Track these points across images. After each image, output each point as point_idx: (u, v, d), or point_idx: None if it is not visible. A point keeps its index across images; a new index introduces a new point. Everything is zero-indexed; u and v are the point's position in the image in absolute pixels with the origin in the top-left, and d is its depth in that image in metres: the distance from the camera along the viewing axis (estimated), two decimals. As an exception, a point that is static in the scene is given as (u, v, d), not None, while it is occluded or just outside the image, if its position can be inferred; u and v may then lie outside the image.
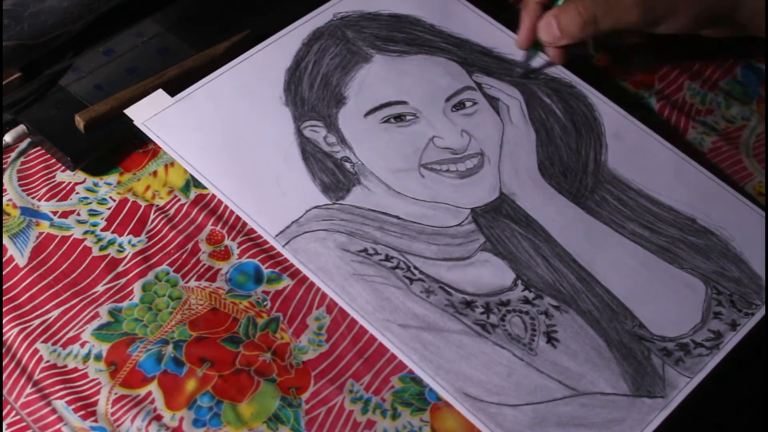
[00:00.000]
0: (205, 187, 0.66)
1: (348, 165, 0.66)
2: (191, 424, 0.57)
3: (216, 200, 0.67)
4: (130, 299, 0.62)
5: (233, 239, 0.65)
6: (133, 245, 0.64)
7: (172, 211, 0.66)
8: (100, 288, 0.62)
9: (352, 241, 0.63)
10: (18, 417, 0.58)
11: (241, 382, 0.59)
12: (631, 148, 0.69)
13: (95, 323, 0.61)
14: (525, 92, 0.71)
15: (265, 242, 0.64)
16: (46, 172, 0.68)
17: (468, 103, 0.70)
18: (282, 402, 0.58)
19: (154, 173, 0.68)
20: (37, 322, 0.61)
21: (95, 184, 0.67)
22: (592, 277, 0.63)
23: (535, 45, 0.72)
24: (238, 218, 0.66)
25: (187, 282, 0.63)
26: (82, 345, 0.60)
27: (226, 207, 0.66)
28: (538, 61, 0.73)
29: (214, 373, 0.59)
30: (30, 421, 0.58)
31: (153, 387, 0.58)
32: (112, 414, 0.57)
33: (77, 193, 0.67)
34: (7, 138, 0.68)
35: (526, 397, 0.57)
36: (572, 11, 0.68)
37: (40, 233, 0.65)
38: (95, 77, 0.71)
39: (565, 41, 0.70)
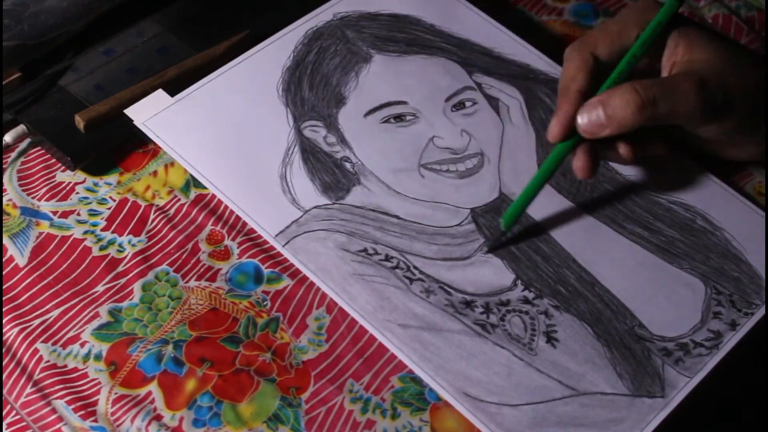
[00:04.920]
0: (205, 187, 0.66)
1: (348, 165, 0.66)
2: (191, 424, 0.57)
3: (216, 200, 0.67)
4: (130, 299, 0.62)
5: (233, 239, 0.65)
6: (133, 245, 0.64)
7: (172, 211, 0.66)
8: (100, 288, 0.62)
9: (352, 241, 0.63)
10: (18, 417, 0.58)
11: (241, 382, 0.59)
12: (631, 148, 0.69)
13: (95, 323, 0.61)
14: (525, 92, 0.71)
15: (265, 242, 0.64)
16: (46, 172, 0.68)
17: (468, 103, 0.70)
18: (282, 402, 0.58)
19: (154, 173, 0.68)
20: (37, 322, 0.61)
21: (95, 184, 0.67)
22: (592, 277, 0.63)
23: (568, 139, 0.62)
24: (238, 218, 0.66)
25: (187, 282, 0.63)
26: (82, 345, 0.60)
27: (226, 207, 0.66)
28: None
29: (214, 373, 0.59)
30: (30, 421, 0.58)
31: (153, 387, 0.58)
32: (112, 414, 0.57)
33: (77, 193, 0.67)
34: (7, 138, 0.68)
35: (525, 396, 0.57)
36: (627, 92, 0.60)
37: (40, 233, 0.65)
38: (95, 77, 0.71)
39: (610, 130, 0.60)
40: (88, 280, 0.63)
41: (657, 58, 0.65)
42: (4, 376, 0.59)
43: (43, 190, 0.67)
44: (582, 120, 0.61)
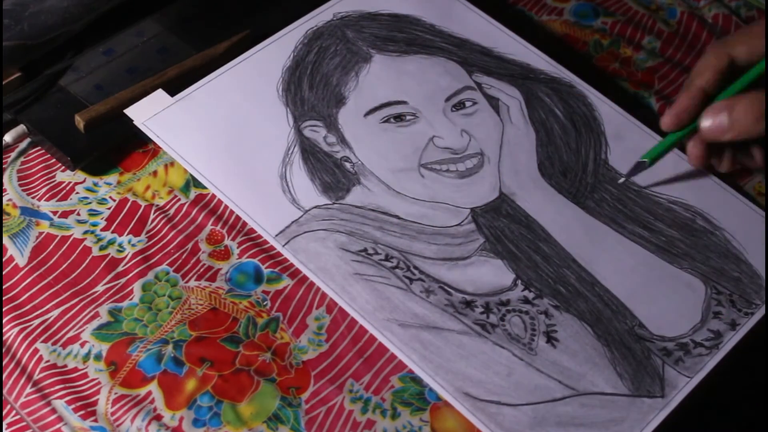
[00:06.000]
0: (205, 187, 0.66)
1: (348, 165, 0.66)
2: (191, 424, 0.57)
3: (216, 200, 0.67)
4: (130, 299, 0.62)
5: (233, 239, 0.65)
6: (133, 245, 0.64)
7: (172, 211, 0.66)
8: (100, 288, 0.62)
9: (352, 240, 0.63)
10: (18, 417, 0.58)
11: (241, 382, 0.59)
12: (631, 148, 0.69)
13: (95, 323, 0.61)
14: (525, 92, 0.71)
15: (265, 242, 0.64)
16: (46, 172, 0.68)
17: (468, 103, 0.70)
18: (282, 402, 0.58)
19: (154, 173, 0.68)
20: (37, 321, 0.61)
21: (95, 184, 0.67)
22: (592, 277, 0.63)
23: (679, 130, 0.64)
24: (238, 218, 0.66)
25: (187, 282, 0.63)
26: (82, 345, 0.60)
27: (226, 207, 0.66)
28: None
29: (214, 373, 0.59)
30: (30, 421, 0.58)
31: (153, 387, 0.58)
32: (112, 414, 0.57)
33: (77, 193, 0.67)
34: (7, 138, 0.68)
35: (525, 396, 0.57)
36: (748, 103, 0.60)
37: (40, 233, 0.65)
38: (95, 77, 0.71)
39: (731, 135, 0.61)
40: (88, 280, 0.63)
41: None
42: (4, 376, 0.59)
43: (43, 190, 0.67)
44: (705, 123, 0.61)
